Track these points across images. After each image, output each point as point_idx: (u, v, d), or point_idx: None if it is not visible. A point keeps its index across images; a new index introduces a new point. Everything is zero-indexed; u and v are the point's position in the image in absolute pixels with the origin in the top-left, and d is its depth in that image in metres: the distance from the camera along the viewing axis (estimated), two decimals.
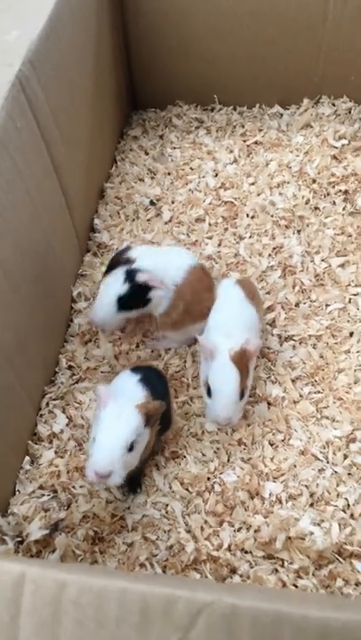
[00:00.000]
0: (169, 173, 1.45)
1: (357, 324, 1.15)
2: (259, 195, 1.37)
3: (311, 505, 0.95)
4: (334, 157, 1.41)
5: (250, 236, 1.30)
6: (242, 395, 0.97)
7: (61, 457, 1.01)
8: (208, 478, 0.98)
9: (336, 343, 1.13)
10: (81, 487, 0.98)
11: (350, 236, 1.28)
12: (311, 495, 0.95)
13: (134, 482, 0.96)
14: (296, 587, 0.86)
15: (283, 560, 0.90)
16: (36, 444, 1.03)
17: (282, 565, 0.89)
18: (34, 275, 1.00)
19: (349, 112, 1.50)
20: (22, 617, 0.48)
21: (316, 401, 1.06)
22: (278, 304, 1.19)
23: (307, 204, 1.34)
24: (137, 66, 1.54)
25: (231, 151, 1.47)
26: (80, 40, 1.17)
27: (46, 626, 0.48)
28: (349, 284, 1.21)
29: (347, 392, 1.06)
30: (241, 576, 0.88)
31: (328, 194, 1.35)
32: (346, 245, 1.27)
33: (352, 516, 0.93)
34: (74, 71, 1.13)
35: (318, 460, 0.99)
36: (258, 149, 1.47)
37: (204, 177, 1.42)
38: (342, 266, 1.24)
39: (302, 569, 0.88)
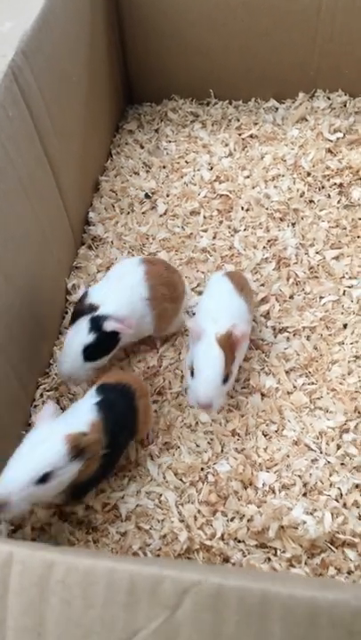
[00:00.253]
0: (164, 167, 1.45)
1: (351, 315, 1.15)
2: (254, 188, 1.37)
3: (304, 494, 0.95)
4: (329, 151, 1.41)
5: (244, 229, 1.31)
6: (226, 379, 0.96)
7: None
8: (202, 468, 0.99)
9: (330, 335, 1.13)
10: None
11: (345, 228, 1.28)
12: (304, 485, 0.96)
13: (78, 491, 0.88)
14: None
15: (275, 549, 0.90)
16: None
17: (275, 554, 0.90)
18: (27, 264, 1.00)
19: (344, 105, 1.50)
20: (10, 597, 0.48)
21: (309, 392, 1.06)
22: (272, 296, 1.19)
23: (301, 197, 1.34)
24: (132, 60, 1.54)
25: (226, 144, 1.47)
26: (73, 32, 1.17)
27: (34, 606, 0.48)
28: (344, 277, 1.21)
29: (340, 383, 1.07)
30: (234, 564, 0.88)
31: (323, 187, 1.36)
32: (340, 238, 1.27)
33: (345, 505, 0.93)
34: (67, 63, 1.13)
35: (312, 450, 0.99)
36: (253, 143, 1.47)
37: (199, 170, 1.42)
38: (337, 258, 1.24)
39: (295, 557, 0.88)
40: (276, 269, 1.23)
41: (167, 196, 1.39)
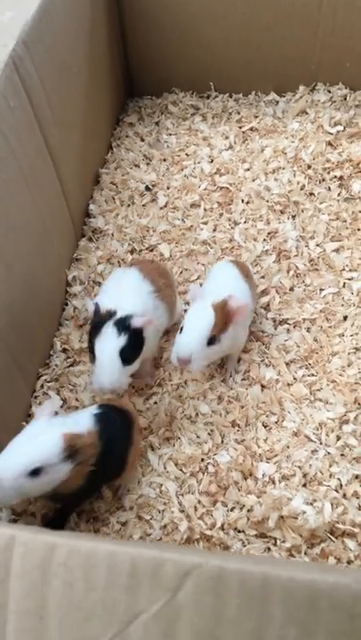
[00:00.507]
0: (164, 159, 1.45)
1: (351, 307, 1.15)
2: (254, 180, 1.37)
3: (304, 485, 0.95)
4: (329, 144, 1.41)
5: (245, 222, 1.31)
6: (211, 342, 0.94)
7: None
8: (202, 459, 0.99)
9: (330, 327, 1.13)
10: None
11: (345, 221, 1.28)
12: (304, 476, 0.96)
13: (63, 512, 0.90)
14: None
15: (275, 539, 0.90)
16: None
17: (274, 544, 0.90)
18: (28, 255, 1.00)
19: (345, 99, 1.50)
20: (12, 580, 0.49)
21: (309, 383, 1.06)
22: (273, 288, 1.19)
23: (302, 189, 1.34)
24: (133, 53, 1.54)
25: (227, 137, 1.47)
26: (74, 24, 1.17)
27: (35, 588, 0.48)
28: (344, 269, 1.21)
29: (340, 375, 1.07)
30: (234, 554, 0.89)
31: (323, 180, 1.36)
32: (341, 231, 1.27)
33: (345, 495, 0.93)
34: (68, 54, 1.13)
35: (311, 441, 1.00)
36: (253, 136, 1.47)
37: (199, 163, 1.42)
38: (337, 251, 1.24)
39: (295, 547, 0.89)
40: (276, 262, 1.23)
41: (167, 188, 1.39)
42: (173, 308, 1.09)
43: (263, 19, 1.40)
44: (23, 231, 0.98)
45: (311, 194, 1.34)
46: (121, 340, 0.92)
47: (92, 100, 1.31)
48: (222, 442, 1.01)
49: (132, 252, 1.28)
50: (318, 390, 1.06)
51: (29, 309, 1.03)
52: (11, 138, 0.88)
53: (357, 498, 0.93)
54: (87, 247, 1.28)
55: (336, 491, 0.94)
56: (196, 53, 1.49)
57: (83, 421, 0.85)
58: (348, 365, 1.08)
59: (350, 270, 1.21)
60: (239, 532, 0.92)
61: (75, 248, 1.27)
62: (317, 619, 0.47)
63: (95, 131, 1.38)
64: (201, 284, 1.16)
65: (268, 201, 1.33)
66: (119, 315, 0.94)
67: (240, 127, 1.49)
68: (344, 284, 1.19)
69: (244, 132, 1.48)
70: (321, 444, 0.99)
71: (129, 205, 1.36)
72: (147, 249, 1.28)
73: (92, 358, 0.94)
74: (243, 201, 1.34)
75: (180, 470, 0.98)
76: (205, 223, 1.31)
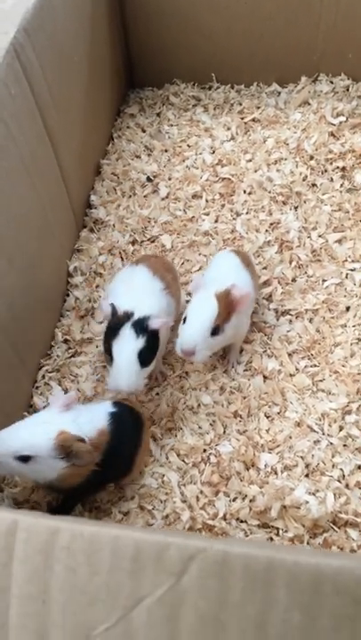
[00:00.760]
0: (166, 150, 1.44)
1: (354, 298, 1.15)
2: (256, 171, 1.36)
3: (306, 475, 0.95)
4: (332, 134, 1.40)
5: (247, 212, 1.30)
6: (215, 331, 0.93)
7: None
8: (204, 450, 0.99)
9: (332, 317, 1.13)
10: None
11: (347, 212, 1.28)
12: (306, 466, 0.96)
13: (66, 504, 0.90)
14: None
15: (278, 529, 0.90)
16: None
17: (277, 534, 0.90)
18: (29, 245, 1.00)
19: (347, 90, 1.49)
20: (14, 565, 0.48)
21: (312, 374, 1.06)
22: (275, 279, 1.19)
23: (304, 180, 1.34)
24: (134, 43, 1.53)
25: (228, 128, 1.47)
26: (75, 12, 1.16)
27: (38, 573, 0.48)
28: (346, 260, 1.21)
29: (343, 365, 1.06)
30: None
31: (325, 170, 1.35)
32: (343, 221, 1.26)
33: (347, 486, 0.93)
34: (69, 43, 1.13)
35: (314, 431, 0.99)
36: (255, 126, 1.46)
37: (201, 154, 1.41)
38: (339, 241, 1.24)
39: (297, 537, 0.88)
40: (278, 252, 1.23)
41: (169, 179, 1.38)
42: (179, 302, 1.09)
43: (265, 8, 1.39)
44: (24, 221, 0.97)
45: (314, 185, 1.33)
46: (139, 343, 0.92)
47: (94, 90, 1.31)
48: (224, 432, 1.01)
49: (133, 242, 1.27)
50: (321, 381, 1.05)
51: (31, 300, 1.02)
52: (12, 126, 0.88)
53: (360, 488, 0.93)
54: (88, 238, 1.28)
55: (339, 481, 0.93)
56: (197, 44, 1.48)
57: (97, 419, 0.85)
58: (351, 356, 1.07)
59: (353, 261, 1.21)
60: (241, 522, 0.91)
61: (76, 239, 1.27)
62: (321, 603, 0.46)
63: (96, 121, 1.37)
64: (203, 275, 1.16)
65: (270, 192, 1.32)
66: (136, 316, 0.93)
67: (242, 118, 1.48)
68: (347, 274, 1.19)
69: (245, 123, 1.47)
70: (323, 434, 0.99)
71: (130, 196, 1.36)
72: (148, 240, 1.28)
73: (109, 360, 0.94)
74: (245, 192, 1.33)
75: (183, 461, 0.98)
76: (207, 214, 1.31)
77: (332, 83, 1.50)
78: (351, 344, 1.09)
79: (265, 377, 1.07)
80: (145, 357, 0.92)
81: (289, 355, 1.09)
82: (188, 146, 1.44)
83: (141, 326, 0.92)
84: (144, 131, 1.50)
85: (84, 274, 1.22)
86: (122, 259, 1.25)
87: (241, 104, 1.52)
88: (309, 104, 1.48)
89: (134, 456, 0.91)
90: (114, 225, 1.30)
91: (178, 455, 0.99)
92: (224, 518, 0.91)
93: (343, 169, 1.34)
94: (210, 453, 0.98)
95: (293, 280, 1.19)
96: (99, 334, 1.13)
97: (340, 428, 0.99)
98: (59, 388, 1.06)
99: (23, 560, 0.48)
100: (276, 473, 0.95)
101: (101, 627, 0.48)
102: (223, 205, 1.32)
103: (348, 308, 1.14)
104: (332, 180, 1.33)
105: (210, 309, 0.93)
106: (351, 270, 1.19)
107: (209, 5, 1.40)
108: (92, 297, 1.18)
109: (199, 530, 0.90)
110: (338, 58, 1.48)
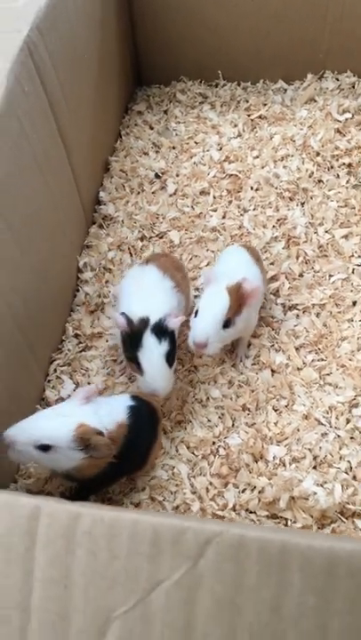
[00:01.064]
0: (173, 147, 1.45)
1: (360, 293, 1.16)
2: (263, 168, 1.38)
3: (314, 467, 0.96)
4: (338, 131, 1.41)
5: (254, 209, 1.31)
6: (227, 325, 0.95)
7: None
8: (213, 442, 1.00)
9: (339, 312, 1.14)
10: None
11: (354, 208, 1.29)
12: (314, 458, 0.97)
13: (82, 492, 0.91)
14: None
15: (286, 519, 0.92)
16: (44, 408, 1.04)
17: (286, 525, 0.91)
18: (41, 241, 1.01)
19: (353, 87, 1.50)
20: (37, 549, 0.50)
21: (319, 368, 1.08)
22: (282, 274, 1.20)
23: (310, 176, 1.35)
24: (141, 41, 1.54)
25: (235, 125, 1.48)
26: (86, 10, 1.17)
27: (60, 557, 0.50)
28: (353, 255, 1.22)
29: (350, 359, 1.08)
30: None
31: (332, 167, 1.36)
32: (349, 217, 1.27)
33: (355, 477, 0.95)
34: (79, 41, 1.14)
35: (321, 424, 1.01)
36: (262, 123, 1.48)
37: (208, 150, 1.43)
38: (346, 237, 1.25)
39: (305, 527, 0.90)
40: (285, 248, 1.24)
41: (177, 175, 1.39)
42: (188, 299, 1.10)
43: (272, 6, 1.40)
44: (37, 217, 0.99)
45: (320, 181, 1.34)
46: (163, 347, 0.94)
47: (103, 88, 1.32)
48: (233, 425, 1.02)
49: (142, 238, 1.29)
50: (328, 375, 1.07)
51: (42, 295, 1.04)
52: (25, 123, 0.89)
53: None
54: (98, 234, 1.29)
55: (346, 473, 0.95)
56: (204, 41, 1.49)
57: (116, 412, 0.86)
58: (358, 350, 1.09)
59: (359, 256, 1.22)
60: (250, 512, 0.93)
61: (85, 235, 1.28)
62: (335, 586, 0.48)
63: (105, 118, 1.38)
64: None
65: (277, 188, 1.34)
66: (152, 320, 0.94)
67: (249, 115, 1.50)
68: (353, 269, 1.20)
69: (252, 120, 1.49)
70: (331, 427, 1.00)
71: (139, 193, 1.37)
72: (157, 236, 1.29)
73: (136, 368, 0.95)
74: (252, 188, 1.35)
75: (192, 453, 1.00)
76: (215, 210, 1.32)
77: (338, 80, 1.51)
78: (358, 338, 1.10)
79: (273, 371, 1.08)
80: (171, 358, 0.95)
81: (296, 349, 1.11)
82: (196, 143, 1.46)
83: (161, 330, 0.94)
84: (152, 128, 1.51)
85: (94, 269, 1.23)
86: (131, 254, 1.26)
87: (248, 101, 1.53)
88: (316, 101, 1.49)
89: (149, 450, 0.93)
90: (123, 221, 1.31)
91: (188, 447, 1.00)
92: (233, 509, 0.93)
93: (349, 165, 1.35)
94: (219, 446, 1.00)
95: (300, 275, 1.20)
96: (108, 329, 1.15)
97: (348, 421, 1.01)
98: (70, 381, 1.07)
99: (46, 544, 0.50)
100: (284, 465, 0.97)
101: (120, 610, 0.50)
102: (230, 202, 1.33)
103: (354, 303, 1.15)
104: (338, 176, 1.35)
105: (222, 302, 0.95)
106: (358, 265, 1.21)
107: (216, 2, 1.41)
108: (101, 292, 1.20)
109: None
110: (344, 55, 1.49)
